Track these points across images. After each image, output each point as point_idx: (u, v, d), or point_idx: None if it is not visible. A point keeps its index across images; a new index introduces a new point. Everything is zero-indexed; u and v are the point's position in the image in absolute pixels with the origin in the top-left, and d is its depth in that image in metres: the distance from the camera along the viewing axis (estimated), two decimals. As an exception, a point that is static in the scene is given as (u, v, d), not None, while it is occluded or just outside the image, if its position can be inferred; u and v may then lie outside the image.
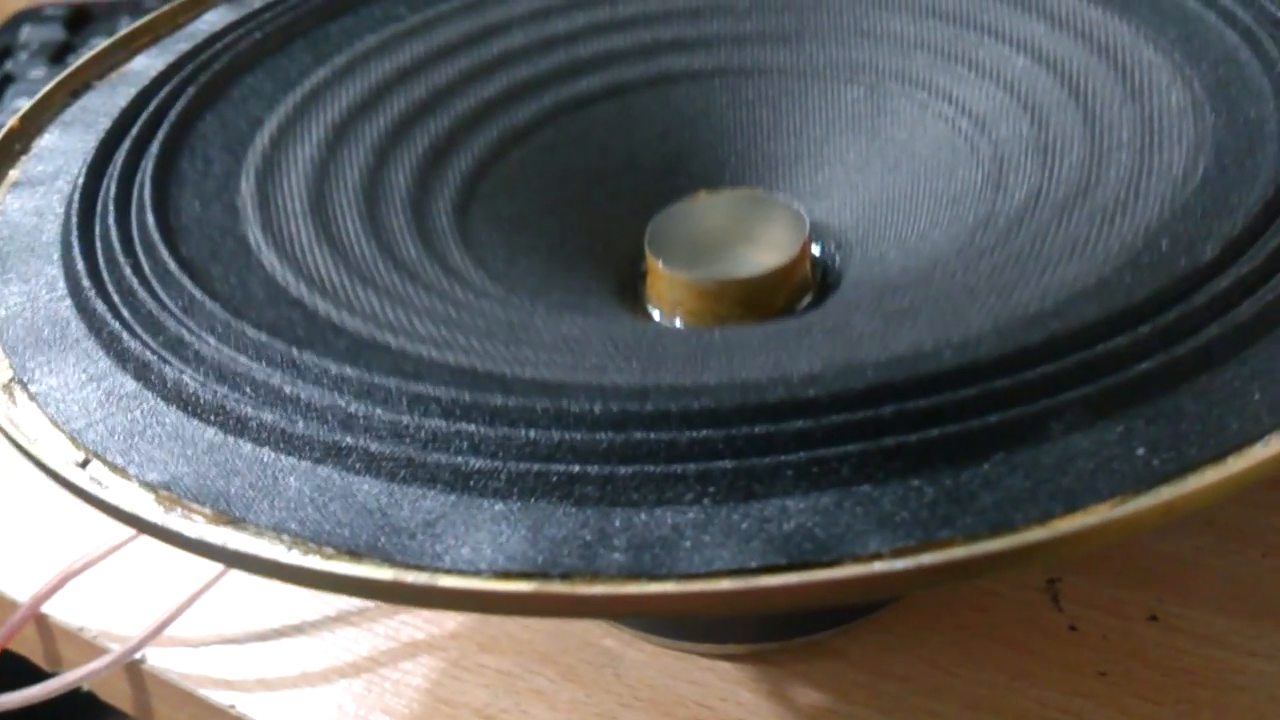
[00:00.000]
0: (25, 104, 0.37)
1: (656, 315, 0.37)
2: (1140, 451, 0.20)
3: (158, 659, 0.38)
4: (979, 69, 0.37)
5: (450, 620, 0.38)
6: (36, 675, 0.39)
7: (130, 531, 0.40)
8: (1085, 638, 0.33)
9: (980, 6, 0.38)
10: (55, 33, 0.62)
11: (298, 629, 0.38)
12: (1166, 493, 0.19)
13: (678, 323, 0.36)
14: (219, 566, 0.39)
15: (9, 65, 0.59)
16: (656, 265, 0.36)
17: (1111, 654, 0.32)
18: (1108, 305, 0.23)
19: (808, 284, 0.36)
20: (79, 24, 0.63)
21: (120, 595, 0.40)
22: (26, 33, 0.62)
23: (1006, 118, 0.35)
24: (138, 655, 0.38)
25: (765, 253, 0.37)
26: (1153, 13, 0.34)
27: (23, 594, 0.40)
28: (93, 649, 0.39)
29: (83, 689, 0.39)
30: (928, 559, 0.18)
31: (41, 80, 0.57)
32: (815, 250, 0.37)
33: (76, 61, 0.39)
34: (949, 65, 0.38)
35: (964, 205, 0.33)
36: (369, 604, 0.39)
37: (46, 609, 0.40)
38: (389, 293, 0.29)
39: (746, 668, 0.34)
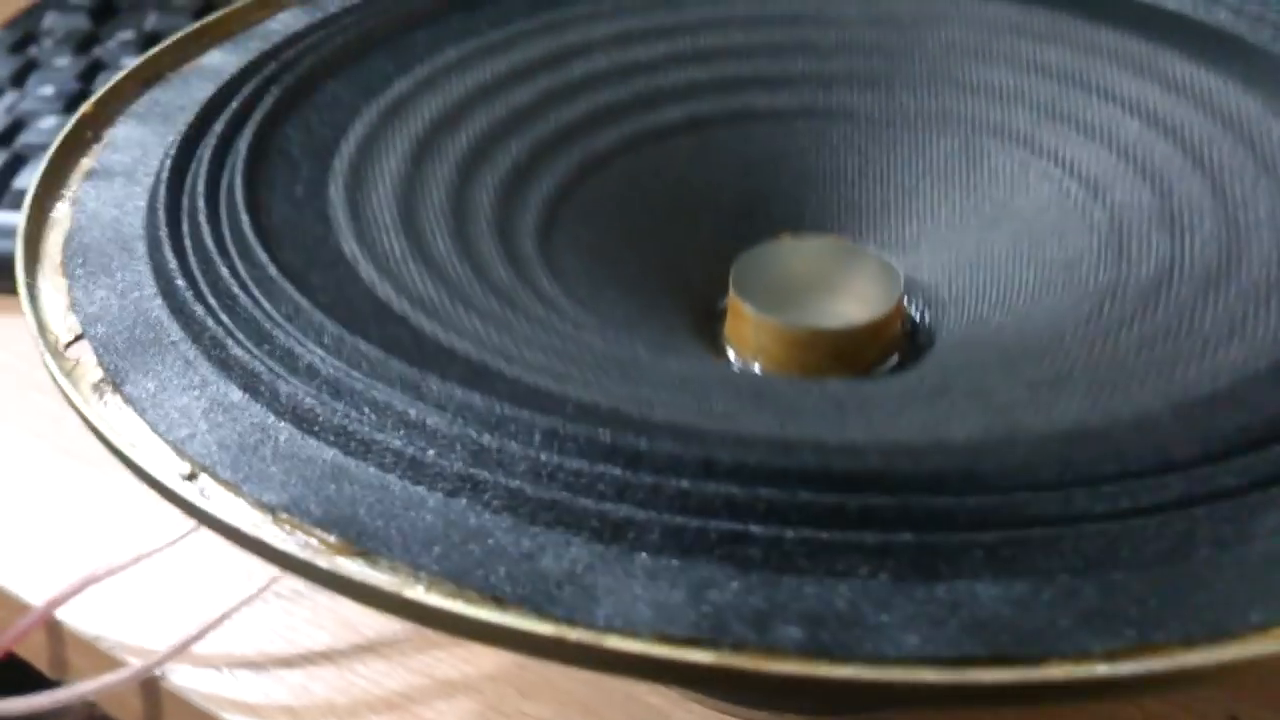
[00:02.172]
0: (83, 95, 0.35)
1: (732, 356, 0.36)
2: (1360, 557, 0.18)
3: (179, 677, 0.36)
4: (1087, 130, 0.36)
5: (487, 661, 0.36)
6: (34, 683, 0.37)
7: (157, 542, 0.38)
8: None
9: (1087, 64, 0.37)
10: (80, 22, 0.61)
11: (325, 657, 0.37)
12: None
13: (756, 368, 0.35)
14: (248, 587, 0.38)
15: (32, 51, 0.58)
16: (742, 307, 0.35)
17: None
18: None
19: (898, 341, 0.35)
20: (103, 15, 0.62)
21: (140, 608, 0.38)
22: (50, 20, 0.61)
23: (1121, 182, 0.34)
24: (158, 671, 0.36)
25: (851, 304, 0.35)
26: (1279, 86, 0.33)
27: (37, 597, 0.38)
28: (107, 660, 0.37)
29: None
30: (1154, 664, 0.17)
31: (66, 69, 0.56)
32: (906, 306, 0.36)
33: (149, 52, 0.37)
34: (1053, 123, 0.37)
35: (1080, 272, 0.32)
36: (401, 636, 0.37)
37: (61, 614, 0.38)
38: (490, 317, 0.28)
39: (800, 739, 0.32)
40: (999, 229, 0.36)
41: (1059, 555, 0.19)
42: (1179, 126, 0.34)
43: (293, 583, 0.38)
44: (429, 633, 0.37)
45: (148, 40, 0.58)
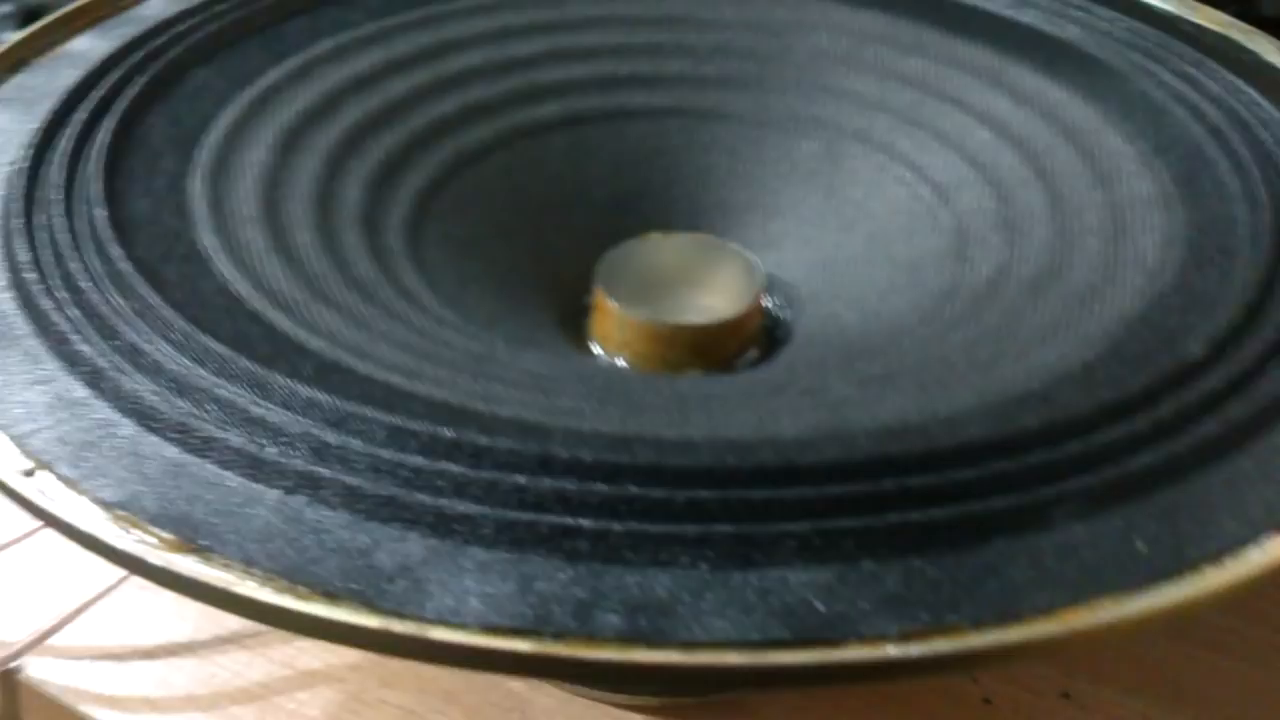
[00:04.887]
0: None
1: (597, 351, 0.36)
2: (1140, 546, 0.20)
3: (37, 669, 0.36)
4: (941, 137, 0.37)
5: (349, 651, 0.36)
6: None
7: (12, 534, 0.38)
8: (998, 711, 0.33)
9: (944, 75, 0.39)
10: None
11: (187, 649, 0.37)
12: (1172, 593, 0.19)
13: (620, 362, 0.36)
14: (107, 578, 0.37)
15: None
16: (608, 303, 0.36)
17: (1025, 730, 0.32)
18: (1099, 394, 0.23)
19: (756, 336, 0.36)
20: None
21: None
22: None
23: (968, 189, 0.35)
24: (15, 664, 0.36)
25: (715, 300, 0.36)
26: (1120, 101, 0.35)
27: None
28: (-38, 653, 0.37)
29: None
30: (942, 645, 0.18)
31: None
32: (765, 302, 0.37)
33: (12, 39, 0.37)
34: (910, 130, 0.38)
35: (924, 273, 0.33)
36: (264, 628, 0.37)
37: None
38: (348, 312, 0.28)
39: (657, 720, 0.33)
40: (855, 230, 0.37)
41: (865, 543, 0.20)
42: (1025, 137, 0.35)
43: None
44: (295, 623, 0.37)
45: (28, 15, 0.58)
